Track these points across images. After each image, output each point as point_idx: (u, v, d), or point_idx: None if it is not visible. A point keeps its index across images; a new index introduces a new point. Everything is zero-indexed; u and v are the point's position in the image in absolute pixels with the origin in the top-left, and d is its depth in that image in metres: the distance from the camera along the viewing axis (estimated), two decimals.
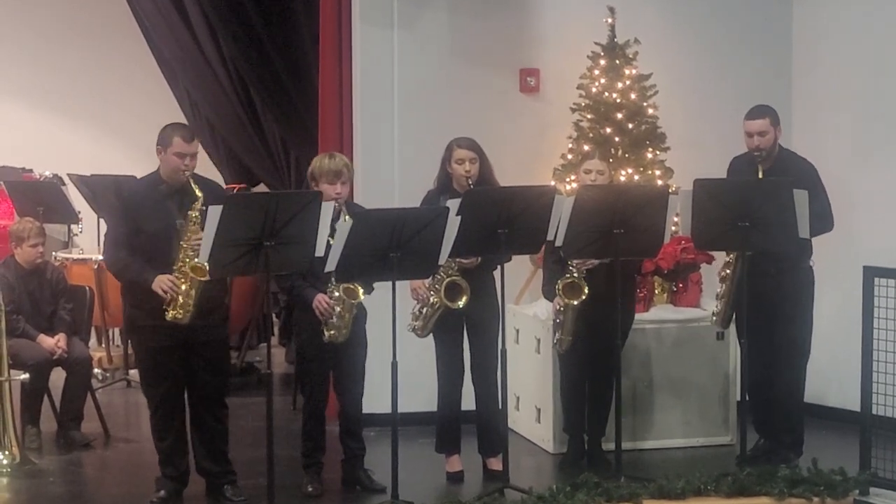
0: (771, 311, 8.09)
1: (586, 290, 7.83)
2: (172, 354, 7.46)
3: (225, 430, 7.73)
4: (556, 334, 8.10)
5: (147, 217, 7.37)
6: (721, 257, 8.31)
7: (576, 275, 7.87)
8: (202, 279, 7.14)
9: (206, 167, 10.04)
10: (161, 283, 7.26)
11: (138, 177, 10.40)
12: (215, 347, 7.61)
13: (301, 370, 8.07)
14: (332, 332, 7.58)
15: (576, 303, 7.86)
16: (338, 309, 7.53)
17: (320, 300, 7.58)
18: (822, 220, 7.98)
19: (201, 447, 7.67)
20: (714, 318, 8.32)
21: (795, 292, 8.19)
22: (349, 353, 7.77)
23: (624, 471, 7.74)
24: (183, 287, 7.24)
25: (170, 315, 7.27)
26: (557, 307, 8.01)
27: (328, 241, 7.08)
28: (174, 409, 7.59)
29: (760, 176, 8.03)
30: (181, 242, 7.26)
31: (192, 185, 7.28)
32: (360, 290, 7.45)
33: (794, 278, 8.18)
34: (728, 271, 8.11)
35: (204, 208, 6.98)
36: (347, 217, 7.36)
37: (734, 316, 8.21)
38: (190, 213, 7.26)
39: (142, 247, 7.38)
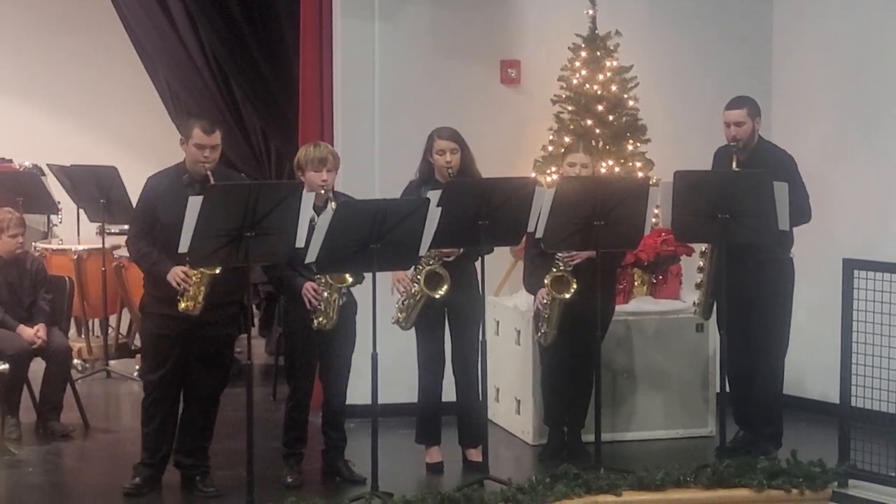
0: (749, 303, 8.10)
1: (575, 285, 7.84)
2: (175, 344, 7.48)
3: (210, 427, 7.74)
4: (542, 327, 8.09)
5: (165, 207, 7.39)
6: (701, 249, 8.33)
7: (563, 269, 7.88)
8: (212, 272, 7.17)
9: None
10: (175, 274, 7.29)
11: (118, 167, 10.55)
12: (219, 344, 7.62)
13: (288, 360, 8.03)
14: (320, 318, 7.57)
15: (567, 296, 7.86)
16: (325, 294, 7.53)
17: (308, 288, 7.57)
18: (800, 211, 7.99)
19: (182, 440, 7.66)
20: (695, 308, 8.35)
21: (774, 284, 8.20)
22: (336, 345, 7.76)
23: (604, 462, 7.76)
24: (195, 279, 7.25)
25: (182, 306, 7.30)
26: (543, 300, 8.00)
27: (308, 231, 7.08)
28: (165, 398, 7.58)
29: (735, 166, 8.05)
30: None
31: (210, 178, 7.28)
32: (347, 275, 7.45)
33: (773, 270, 8.19)
34: (704, 262, 8.13)
35: None
36: (333, 205, 7.36)
37: (714, 307, 8.24)
38: None
39: (160, 236, 7.40)
